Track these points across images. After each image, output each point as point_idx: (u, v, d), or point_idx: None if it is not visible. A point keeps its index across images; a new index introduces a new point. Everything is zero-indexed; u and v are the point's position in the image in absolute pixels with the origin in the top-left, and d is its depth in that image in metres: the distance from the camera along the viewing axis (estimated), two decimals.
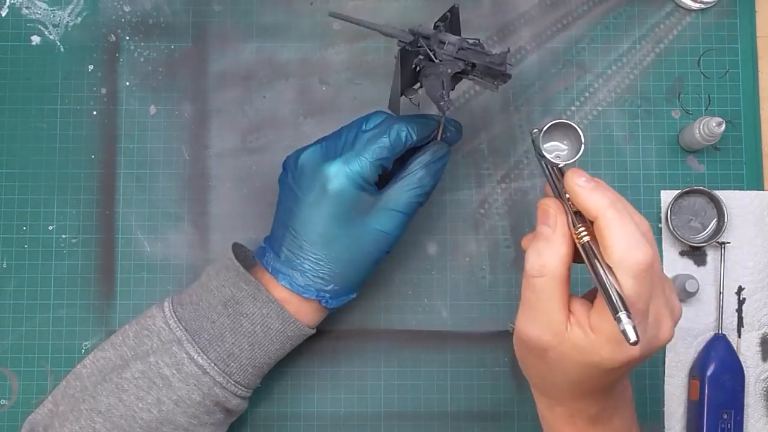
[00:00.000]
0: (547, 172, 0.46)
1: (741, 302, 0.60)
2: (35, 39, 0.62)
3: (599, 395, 0.46)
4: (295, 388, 0.60)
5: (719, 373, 0.58)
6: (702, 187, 0.60)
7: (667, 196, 0.61)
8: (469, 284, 0.61)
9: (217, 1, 0.63)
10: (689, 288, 0.58)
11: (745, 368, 0.59)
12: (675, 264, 0.60)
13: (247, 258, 0.56)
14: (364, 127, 0.53)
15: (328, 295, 0.52)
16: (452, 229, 0.61)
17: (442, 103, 0.49)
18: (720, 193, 0.60)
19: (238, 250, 0.55)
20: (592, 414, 0.46)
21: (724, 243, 0.60)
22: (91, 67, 0.62)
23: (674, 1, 0.63)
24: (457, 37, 0.50)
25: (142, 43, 0.62)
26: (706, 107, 0.62)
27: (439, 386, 0.60)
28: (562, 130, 0.45)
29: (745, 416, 0.59)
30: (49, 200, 0.61)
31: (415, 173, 0.52)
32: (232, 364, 0.52)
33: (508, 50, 0.51)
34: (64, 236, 0.61)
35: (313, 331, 0.54)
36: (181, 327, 0.51)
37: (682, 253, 0.61)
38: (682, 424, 0.60)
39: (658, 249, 0.60)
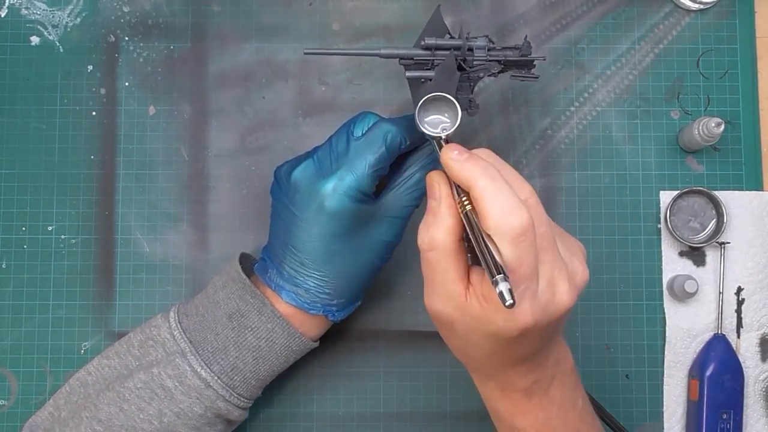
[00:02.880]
0: (434, 146, 0.46)
1: (740, 303, 0.60)
2: (35, 39, 0.62)
3: (525, 367, 0.45)
4: (294, 388, 0.60)
5: (719, 373, 0.58)
6: (701, 188, 0.60)
7: (666, 197, 0.61)
8: None
9: (216, 2, 0.63)
10: (688, 288, 0.58)
11: (744, 368, 0.59)
12: (674, 264, 0.60)
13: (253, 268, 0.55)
14: (353, 133, 0.51)
15: (335, 308, 0.52)
16: None
17: (471, 109, 0.49)
18: (719, 194, 0.60)
19: (244, 260, 0.55)
20: (523, 386, 0.45)
21: (723, 243, 0.60)
22: (90, 67, 0.62)
23: (673, 1, 0.63)
24: (483, 40, 0.49)
25: (141, 44, 0.62)
26: (706, 108, 0.62)
27: (438, 386, 0.60)
28: (442, 103, 0.46)
29: (744, 416, 0.59)
30: (48, 200, 0.61)
31: (412, 176, 0.51)
32: (236, 377, 0.51)
33: (526, 37, 0.50)
34: (63, 237, 0.60)
35: (317, 344, 0.54)
36: (186, 338, 0.51)
37: (681, 254, 0.61)
38: (682, 424, 0.60)
39: (658, 249, 0.61)
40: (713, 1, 0.62)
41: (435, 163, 0.52)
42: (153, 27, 0.63)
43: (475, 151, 0.43)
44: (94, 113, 0.62)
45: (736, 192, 0.61)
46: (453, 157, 0.43)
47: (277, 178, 0.52)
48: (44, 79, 0.62)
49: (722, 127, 0.57)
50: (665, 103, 0.62)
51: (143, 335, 0.52)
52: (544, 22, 0.63)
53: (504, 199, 0.40)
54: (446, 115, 0.47)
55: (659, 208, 0.61)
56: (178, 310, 0.53)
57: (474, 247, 0.41)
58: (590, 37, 0.63)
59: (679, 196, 0.60)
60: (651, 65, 0.63)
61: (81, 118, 0.62)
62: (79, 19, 0.63)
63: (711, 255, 0.61)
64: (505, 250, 0.40)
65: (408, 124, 0.51)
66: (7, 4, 0.62)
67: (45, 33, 0.62)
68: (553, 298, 0.42)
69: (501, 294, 0.38)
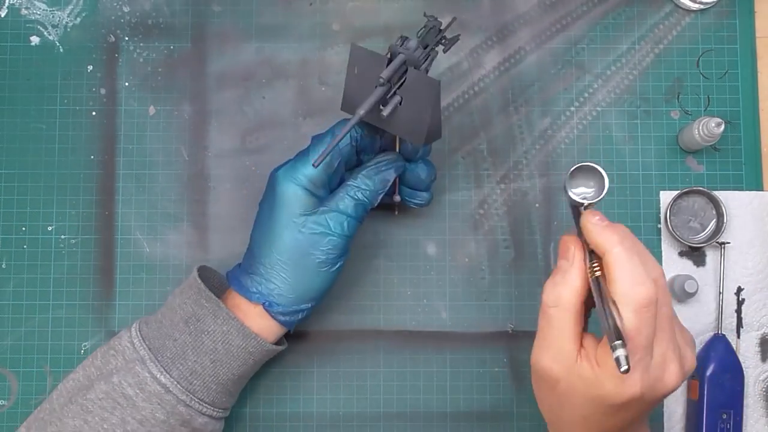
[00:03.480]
0: (572, 211, 0.49)
1: (740, 303, 0.60)
2: (35, 39, 0.62)
3: None
4: (294, 388, 0.60)
5: (719, 373, 0.58)
6: (701, 188, 0.60)
7: (666, 197, 0.61)
8: (469, 285, 0.61)
9: (216, 2, 0.63)
10: (688, 288, 0.58)
11: (744, 368, 0.59)
12: (674, 264, 0.60)
13: (214, 280, 0.56)
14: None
15: (275, 301, 0.52)
16: (452, 230, 0.61)
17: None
18: (719, 194, 0.60)
19: (206, 272, 0.55)
20: None
21: (723, 243, 0.60)
22: (90, 67, 0.62)
23: (673, 1, 0.63)
24: (414, 42, 0.50)
25: (141, 44, 0.62)
26: (706, 108, 0.62)
27: (438, 386, 0.60)
28: (588, 172, 0.48)
29: (744, 416, 0.59)
30: (48, 201, 0.61)
31: (357, 174, 0.53)
32: (195, 381, 0.51)
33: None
34: (63, 237, 0.60)
35: (281, 348, 0.54)
36: (145, 346, 0.51)
37: (681, 254, 0.61)
38: (682, 424, 0.60)
39: (658, 249, 0.61)
40: (713, 1, 0.62)
41: (385, 167, 0.54)
42: (153, 27, 0.63)
43: (614, 224, 0.46)
44: (94, 113, 0.62)
45: (736, 192, 0.61)
46: (594, 221, 0.45)
47: None
48: (44, 79, 0.62)
49: (722, 127, 0.57)
50: (665, 103, 0.62)
51: (107, 346, 0.53)
52: (544, 22, 0.63)
53: (634, 270, 0.43)
54: (591, 183, 0.48)
55: (659, 208, 0.61)
56: (141, 321, 0.53)
57: (598, 312, 0.43)
58: (590, 37, 0.63)
59: (679, 196, 0.60)
60: (651, 65, 0.63)
61: (81, 118, 0.62)
62: (79, 19, 0.63)
63: (711, 255, 0.61)
64: (628, 317, 0.42)
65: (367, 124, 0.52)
66: (7, 4, 0.62)
67: (45, 33, 0.62)
68: (662, 376, 0.44)
69: (618, 359, 0.40)
